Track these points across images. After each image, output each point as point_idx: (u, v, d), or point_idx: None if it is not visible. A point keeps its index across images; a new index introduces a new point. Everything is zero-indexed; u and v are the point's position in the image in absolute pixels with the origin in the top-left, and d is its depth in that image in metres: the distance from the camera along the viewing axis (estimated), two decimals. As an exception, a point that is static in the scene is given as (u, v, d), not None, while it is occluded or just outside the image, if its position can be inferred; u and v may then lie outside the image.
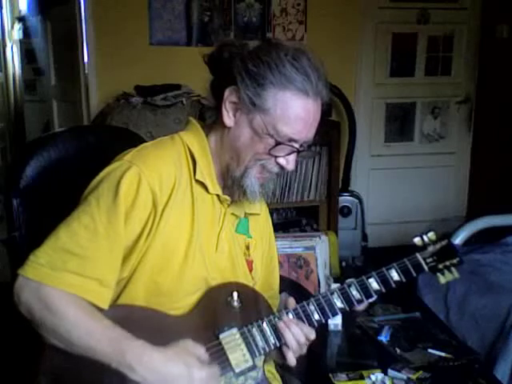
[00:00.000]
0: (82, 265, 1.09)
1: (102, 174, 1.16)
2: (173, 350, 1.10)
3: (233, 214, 1.28)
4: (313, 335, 1.24)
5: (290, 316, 1.24)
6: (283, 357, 1.25)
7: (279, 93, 1.15)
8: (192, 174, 1.21)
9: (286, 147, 1.18)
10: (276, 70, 1.14)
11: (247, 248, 1.33)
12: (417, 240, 1.30)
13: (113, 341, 1.08)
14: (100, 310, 1.11)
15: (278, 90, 1.15)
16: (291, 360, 1.24)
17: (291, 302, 1.27)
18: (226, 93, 1.18)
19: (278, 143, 1.17)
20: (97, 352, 1.07)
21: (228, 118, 1.19)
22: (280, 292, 1.47)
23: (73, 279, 1.09)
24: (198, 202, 1.20)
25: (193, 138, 1.24)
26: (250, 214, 1.33)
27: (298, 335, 1.22)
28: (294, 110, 1.16)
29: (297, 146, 1.20)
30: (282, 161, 1.20)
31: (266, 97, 1.15)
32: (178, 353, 1.11)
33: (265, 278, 1.40)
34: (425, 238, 1.30)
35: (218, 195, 1.24)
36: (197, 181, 1.21)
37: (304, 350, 1.26)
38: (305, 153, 1.24)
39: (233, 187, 1.23)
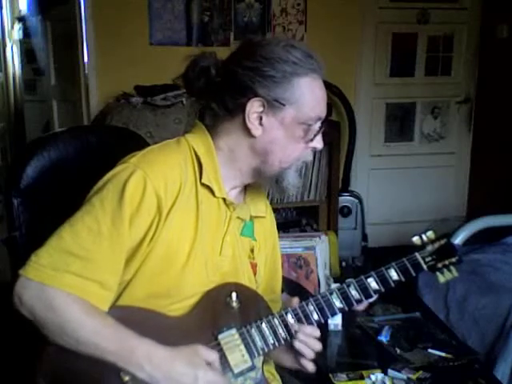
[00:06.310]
0: (83, 267, 1.09)
1: (107, 177, 1.15)
2: (180, 351, 1.12)
3: (238, 217, 1.28)
4: (317, 332, 1.24)
5: (289, 316, 1.23)
6: (301, 365, 1.26)
7: (301, 80, 1.18)
8: (198, 177, 1.20)
9: (315, 129, 1.22)
10: (289, 61, 1.17)
11: (252, 251, 1.32)
12: (415, 239, 1.30)
13: (120, 339, 1.09)
14: (100, 311, 1.12)
15: (298, 77, 1.18)
16: (310, 367, 1.26)
17: (295, 301, 1.26)
18: (248, 106, 1.18)
19: (309, 127, 1.21)
20: (104, 350, 1.08)
21: (256, 129, 1.20)
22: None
23: (74, 281, 1.09)
24: (203, 206, 1.20)
25: (199, 141, 1.23)
26: (256, 217, 1.33)
27: (307, 342, 1.23)
28: (317, 91, 1.21)
29: (320, 124, 1.24)
30: (315, 144, 1.24)
31: (292, 89, 1.18)
32: (185, 353, 1.12)
33: (267, 282, 1.40)
34: (423, 237, 1.30)
35: (223, 199, 1.24)
36: (202, 184, 1.20)
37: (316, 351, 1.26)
38: None
39: (268, 183, 1.28)
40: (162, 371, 1.09)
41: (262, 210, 1.34)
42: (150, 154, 1.19)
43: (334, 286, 1.29)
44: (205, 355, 1.14)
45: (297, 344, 1.22)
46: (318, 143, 1.25)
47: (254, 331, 1.21)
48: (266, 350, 1.22)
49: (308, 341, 1.23)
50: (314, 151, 1.27)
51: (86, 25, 3.50)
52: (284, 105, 1.18)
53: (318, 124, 1.23)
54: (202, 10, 3.65)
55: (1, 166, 5.34)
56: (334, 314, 1.26)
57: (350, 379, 1.63)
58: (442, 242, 1.30)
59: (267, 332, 1.22)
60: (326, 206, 3.39)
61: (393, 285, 1.27)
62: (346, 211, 3.64)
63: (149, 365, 1.08)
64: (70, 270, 1.08)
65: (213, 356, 1.15)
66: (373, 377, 1.62)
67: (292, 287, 1.95)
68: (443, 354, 1.76)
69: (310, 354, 1.24)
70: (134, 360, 1.08)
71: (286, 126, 1.19)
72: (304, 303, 1.25)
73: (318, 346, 1.25)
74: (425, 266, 1.28)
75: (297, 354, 1.25)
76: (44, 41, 4.37)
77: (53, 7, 4.08)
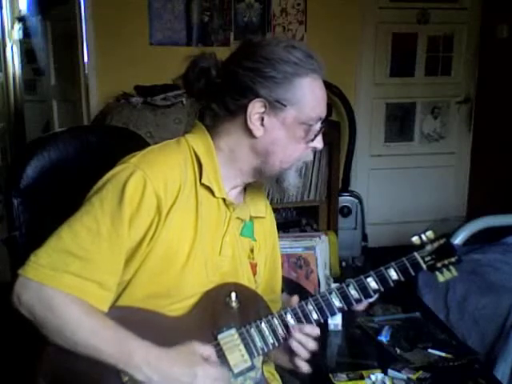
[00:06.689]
0: (83, 267, 1.09)
1: (106, 177, 1.15)
2: (177, 351, 1.12)
3: (238, 217, 1.27)
4: (316, 330, 1.24)
5: (289, 316, 1.23)
6: (295, 366, 1.26)
7: (302, 80, 1.18)
8: (197, 177, 1.20)
9: (316, 129, 1.22)
10: (290, 61, 1.17)
11: (251, 251, 1.32)
12: (415, 239, 1.30)
13: (119, 341, 1.09)
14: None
15: (299, 78, 1.18)
16: (304, 367, 1.25)
17: (294, 300, 1.26)
18: (250, 107, 1.18)
19: (309, 128, 1.21)
20: (102, 352, 1.08)
21: (257, 130, 1.20)
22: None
23: (73, 281, 1.09)
24: (203, 206, 1.20)
25: (199, 142, 1.23)
26: (256, 218, 1.33)
27: (304, 341, 1.23)
28: (317, 91, 1.21)
29: (321, 124, 1.24)
30: (316, 144, 1.24)
31: (293, 89, 1.18)
32: (182, 353, 1.12)
33: (267, 282, 1.40)
34: (423, 236, 1.30)
35: (223, 199, 1.24)
36: (202, 184, 1.20)
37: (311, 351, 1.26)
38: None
39: (269, 182, 1.28)
40: (160, 373, 1.09)
41: (261, 210, 1.35)
42: (150, 154, 1.19)
43: (333, 285, 1.29)
44: (201, 351, 1.14)
45: (293, 344, 1.22)
46: (319, 143, 1.25)
47: (253, 331, 1.21)
48: (266, 349, 1.22)
49: (304, 340, 1.22)
50: (315, 151, 1.27)
51: (86, 25, 3.50)
52: (285, 105, 1.18)
53: (319, 124, 1.23)
54: (202, 9, 3.65)
55: (1, 166, 5.34)
56: (333, 313, 1.26)
57: (350, 379, 1.63)
58: (442, 241, 1.30)
59: (267, 332, 1.22)
60: (326, 206, 3.39)
61: (392, 284, 1.27)
62: (346, 211, 3.64)
63: (147, 367, 1.08)
64: (69, 270, 1.08)
65: (208, 351, 1.15)
66: (373, 377, 1.62)
67: (292, 287, 1.95)
68: (443, 354, 1.76)
69: (305, 354, 1.24)
70: (133, 362, 1.08)
71: (287, 126, 1.20)
72: (303, 303, 1.25)
73: (314, 346, 1.24)
74: (424, 266, 1.28)
75: (292, 354, 1.25)
76: (44, 41, 4.37)
77: (53, 7, 4.08)
